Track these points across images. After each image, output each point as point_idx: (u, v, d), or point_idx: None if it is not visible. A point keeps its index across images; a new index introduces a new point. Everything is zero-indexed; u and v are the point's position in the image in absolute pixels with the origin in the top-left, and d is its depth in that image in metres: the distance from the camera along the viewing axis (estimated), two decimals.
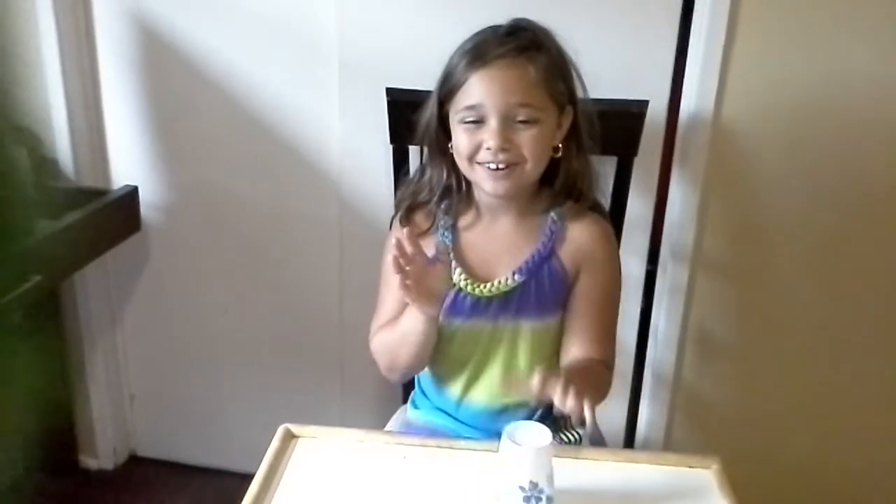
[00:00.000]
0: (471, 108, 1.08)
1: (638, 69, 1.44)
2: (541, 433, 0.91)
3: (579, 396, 0.94)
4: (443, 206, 1.17)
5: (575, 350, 1.15)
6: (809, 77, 1.41)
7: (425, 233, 1.16)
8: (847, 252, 1.52)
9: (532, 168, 1.10)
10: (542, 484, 0.90)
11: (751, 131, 1.46)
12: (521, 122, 1.07)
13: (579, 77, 1.13)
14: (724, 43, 1.39)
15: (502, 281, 1.14)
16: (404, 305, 1.14)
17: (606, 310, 1.17)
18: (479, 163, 1.09)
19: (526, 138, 1.07)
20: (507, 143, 1.06)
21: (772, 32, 1.40)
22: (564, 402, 0.94)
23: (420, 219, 1.18)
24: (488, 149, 1.07)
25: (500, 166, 1.08)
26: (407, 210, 1.19)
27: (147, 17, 1.60)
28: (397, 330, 1.14)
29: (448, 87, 1.11)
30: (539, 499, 0.90)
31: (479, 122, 1.08)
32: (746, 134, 1.46)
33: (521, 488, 0.90)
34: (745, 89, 1.43)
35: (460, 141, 1.10)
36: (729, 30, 1.38)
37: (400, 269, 1.02)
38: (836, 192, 1.48)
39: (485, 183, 1.10)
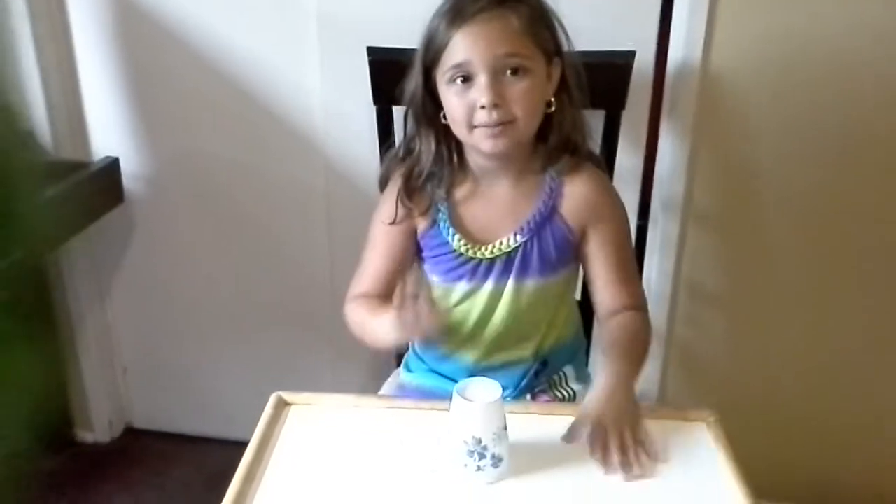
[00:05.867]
0: (458, 66, 1.05)
1: (623, 20, 1.41)
2: (491, 389, 0.90)
3: (630, 449, 0.95)
4: (435, 180, 1.15)
5: (608, 300, 1.14)
6: (798, 23, 1.39)
7: (426, 213, 1.15)
8: (837, 200, 1.51)
9: (525, 124, 1.08)
10: (487, 441, 0.88)
11: (739, 80, 1.44)
12: (511, 74, 1.05)
13: (563, 28, 1.11)
14: None
15: (504, 242, 1.13)
16: (386, 272, 1.14)
17: (624, 253, 1.17)
18: (475, 126, 1.07)
19: (517, 92, 1.05)
20: (499, 98, 1.04)
21: None
22: (608, 461, 0.94)
23: (417, 198, 1.15)
24: (483, 107, 1.04)
25: (496, 123, 1.05)
26: (407, 191, 1.15)
27: None
28: (368, 322, 1.11)
29: (432, 53, 1.08)
30: (482, 455, 0.89)
31: (467, 80, 1.05)
32: (735, 83, 1.44)
33: (465, 443, 0.89)
34: (733, 37, 1.40)
35: (453, 105, 1.07)
36: None
37: (402, 304, 0.96)
38: (825, 140, 1.46)
39: (482, 143, 1.08)
